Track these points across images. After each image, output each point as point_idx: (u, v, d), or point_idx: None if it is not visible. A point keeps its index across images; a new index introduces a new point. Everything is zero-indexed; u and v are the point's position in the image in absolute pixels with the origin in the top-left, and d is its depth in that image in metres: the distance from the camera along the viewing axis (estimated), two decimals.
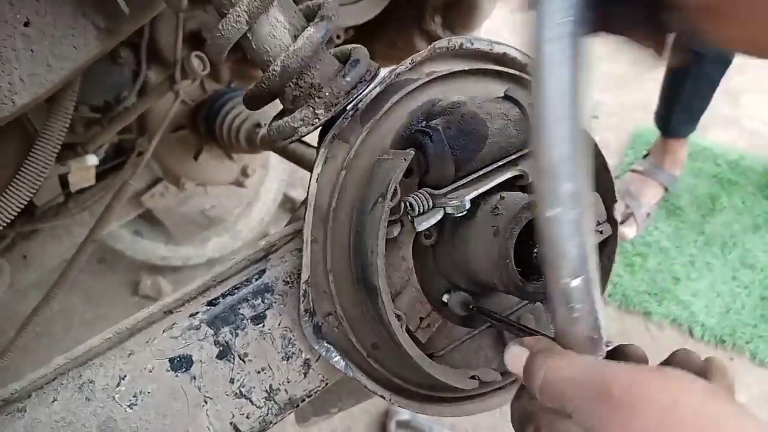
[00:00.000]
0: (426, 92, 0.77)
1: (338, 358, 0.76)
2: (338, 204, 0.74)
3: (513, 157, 0.76)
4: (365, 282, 0.71)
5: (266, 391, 0.77)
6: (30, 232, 1.83)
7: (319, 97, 0.75)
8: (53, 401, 0.70)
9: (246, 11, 0.70)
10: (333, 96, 0.75)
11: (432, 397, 0.82)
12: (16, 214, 1.00)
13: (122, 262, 2.71)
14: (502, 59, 0.84)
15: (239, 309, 0.76)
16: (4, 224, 0.98)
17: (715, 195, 2.79)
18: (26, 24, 0.76)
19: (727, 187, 2.81)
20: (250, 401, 0.76)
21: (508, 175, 0.75)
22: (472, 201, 0.72)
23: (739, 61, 2.71)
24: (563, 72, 0.51)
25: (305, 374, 0.79)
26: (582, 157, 0.53)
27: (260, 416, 0.77)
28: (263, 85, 0.75)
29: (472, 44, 0.81)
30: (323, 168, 0.74)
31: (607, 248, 0.84)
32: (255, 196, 2.60)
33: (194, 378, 0.74)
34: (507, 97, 0.76)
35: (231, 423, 0.76)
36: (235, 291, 0.77)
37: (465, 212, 0.71)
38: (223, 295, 0.76)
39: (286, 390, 0.78)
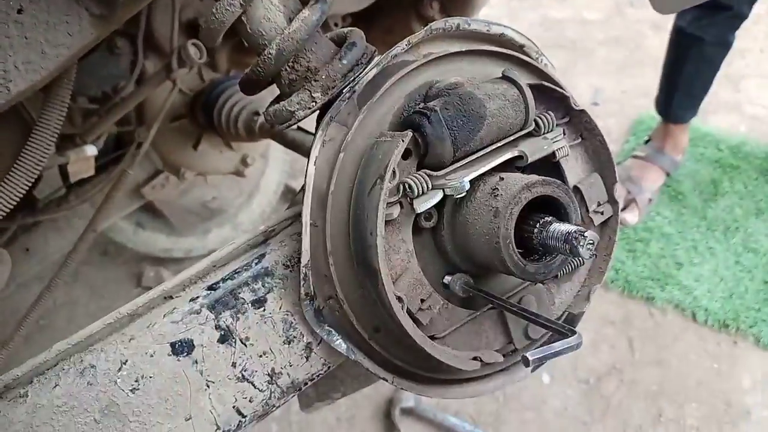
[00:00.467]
0: (423, 74, 0.77)
1: (340, 341, 0.76)
2: (337, 187, 0.73)
3: (511, 137, 0.76)
4: (365, 264, 0.71)
5: (268, 374, 0.77)
6: (32, 225, 1.83)
7: (315, 81, 0.74)
8: (55, 386, 0.70)
9: None
10: (330, 79, 0.74)
11: (434, 379, 0.82)
12: (15, 203, 1.00)
13: (124, 255, 2.72)
14: (499, 40, 0.83)
15: (240, 293, 0.76)
16: (4, 214, 0.98)
17: (717, 180, 2.78)
18: (19, 11, 0.75)
19: (729, 171, 2.81)
20: (253, 385, 0.76)
21: (507, 155, 0.75)
22: (471, 182, 0.71)
23: (739, 45, 2.70)
24: None
25: (307, 358, 0.79)
26: None
27: (263, 400, 0.77)
28: (259, 68, 0.75)
29: (469, 25, 0.80)
30: (321, 151, 0.74)
31: (608, 228, 0.84)
32: (256, 188, 2.60)
33: (196, 362, 0.74)
34: (505, 78, 0.76)
35: (234, 407, 0.76)
36: (236, 275, 0.77)
37: (464, 193, 0.71)
38: (224, 280, 0.76)
39: (288, 374, 0.78)
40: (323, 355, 0.79)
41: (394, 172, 0.69)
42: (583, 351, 2.21)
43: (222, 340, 0.74)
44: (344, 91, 0.75)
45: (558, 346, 0.67)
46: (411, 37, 0.77)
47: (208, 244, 2.65)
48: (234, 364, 0.75)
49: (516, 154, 0.76)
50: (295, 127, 0.80)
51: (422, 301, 0.74)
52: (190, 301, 0.74)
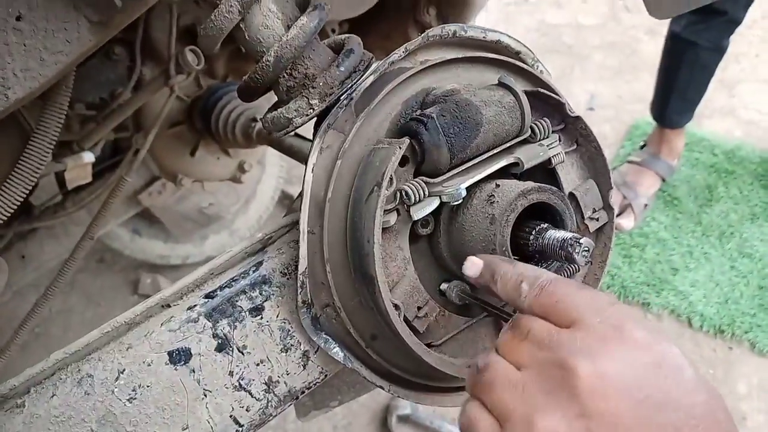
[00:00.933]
0: (420, 81, 0.77)
1: (337, 349, 0.76)
2: (334, 194, 0.74)
3: (508, 144, 0.76)
4: (362, 272, 0.71)
5: (265, 383, 0.77)
6: (28, 232, 1.82)
7: (313, 87, 0.74)
8: (52, 396, 0.70)
9: (238, 1, 0.70)
10: (327, 86, 0.74)
11: (430, 387, 0.82)
12: (12, 211, 1.00)
13: (121, 261, 2.71)
14: (495, 47, 0.84)
15: (237, 301, 0.76)
16: (2, 221, 0.98)
17: (713, 185, 2.79)
18: (18, 18, 0.75)
19: (724, 177, 2.81)
20: (250, 394, 0.76)
21: (503, 162, 0.75)
22: (467, 189, 0.72)
23: (734, 50, 2.71)
24: None
25: (304, 366, 0.79)
26: None
27: (260, 409, 0.77)
28: (257, 75, 0.75)
29: (466, 32, 0.80)
30: (318, 158, 0.74)
31: (603, 235, 0.84)
32: (253, 194, 2.60)
33: (193, 371, 0.74)
34: (501, 84, 0.76)
35: (231, 416, 0.76)
36: (233, 283, 0.77)
37: (461, 200, 0.72)
38: (221, 288, 0.76)
39: (285, 382, 0.78)
40: (320, 363, 0.79)
41: (391, 179, 0.69)
42: None
43: (219, 348, 0.74)
44: (342, 98, 0.75)
45: None
46: (408, 44, 0.78)
47: (206, 251, 2.65)
48: (231, 373, 0.75)
49: (512, 160, 0.76)
50: (292, 133, 0.80)
51: (419, 308, 0.74)
52: (188, 309, 0.74)
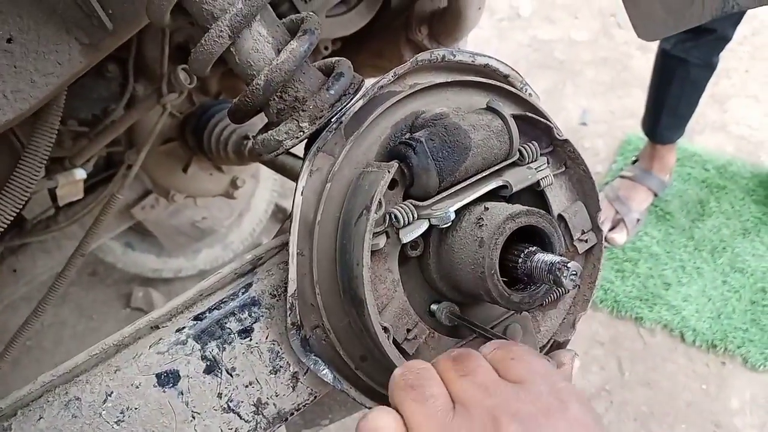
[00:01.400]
0: (409, 104, 0.78)
1: (326, 370, 0.76)
2: (323, 216, 0.74)
3: (496, 167, 0.77)
4: (351, 294, 0.72)
5: (254, 405, 0.77)
6: (20, 246, 1.82)
7: (303, 110, 0.75)
8: (39, 419, 0.69)
9: (228, 26, 0.70)
10: (317, 109, 0.75)
11: None
12: (4, 227, 1.00)
13: (113, 275, 2.70)
14: (483, 71, 0.84)
15: (226, 323, 0.76)
16: None
17: (704, 200, 2.81)
18: (9, 40, 0.76)
19: (716, 192, 2.83)
20: (239, 416, 0.76)
21: (492, 185, 0.76)
22: (456, 212, 0.72)
23: (725, 65, 2.74)
24: None
25: (294, 387, 0.79)
26: None
27: (249, 431, 0.77)
28: (247, 98, 0.75)
29: (455, 56, 0.81)
30: (308, 181, 0.75)
31: (592, 257, 0.85)
32: (246, 207, 2.60)
33: (181, 393, 0.73)
34: (489, 108, 0.77)
35: None
36: (222, 305, 0.77)
37: (449, 223, 0.72)
38: (210, 310, 0.76)
39: (274, 404, 0.78)
40: (310, 385, 0.79)
41: (380, 202, 0.70)
42: None
43: (208, 370, 0.74)
44: (332, 121, 0.76)
45: None
46: (397, 69, 0.78)
47: (198, 264, 2.65)
48: (220, 395, 0.75)
49: (500, 183, 0.77)
50: None
51: (408, 330, 0.74)
52: (176, 331, 0.74)
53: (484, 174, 0.76)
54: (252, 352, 0.76)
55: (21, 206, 1.01)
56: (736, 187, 2.85)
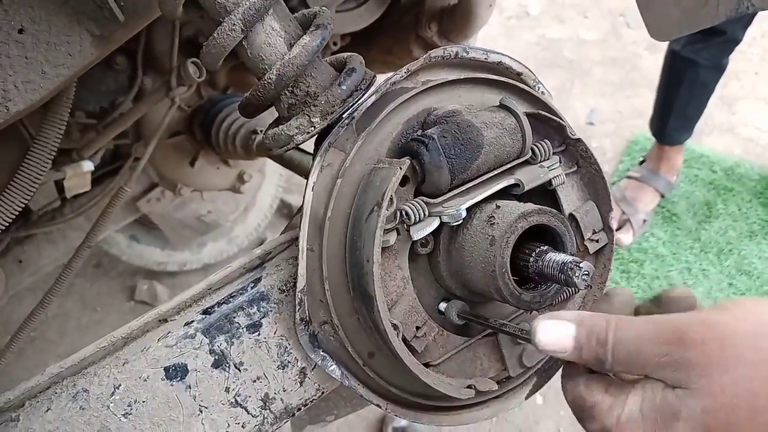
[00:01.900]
0: (421, 101, 0.77)
1: (334, 366, 0.76)
2: (334, 212, 0.74)
3: (508, 166, 0.76)
4: (361, 290, 0.71)
5: (262, 400, 0.77)
6: (25, 237, 1.82)
7: (314, 105, 0.75)
8: (47, 410, 0.69)
9: (241, 20, 0.70)
10: (329, 104, 0.75)
11: (428, 406, 0.82)
12: (11, 219, 1.00)
13: (118, 267, 2.71)
14: (496, 68, 0.84)
15: (235, 318, 0.76)
16: (0, 229, 0.98)
17: (711, 202, 2.80)
18: (21, 31, 0.75)
19: (723, 193, 2.82)
20: (246, 410, 0.76)
21: (504, 183, 0.75)
22: (467, 210, 0.72)
23: (734, 67, 2.72)
24: None
25: (301, 383, 0.78)
26: None
27: (256, 425, 0.76)
28: (259, 93, 0.75)
29: (468, 53, 0.81)
30: (319, 176, 0.74)
31: (602, 257, 0.84)
32: (252, 202, 2.60)
33: (189, 387, 0.73)
34: (502, 106, 0.76)
35: None
36: (231, 299, 0.77)
37: (461, 221, 0.72)
38: (219, 304, 0.76)
39: (281, 399, 0.78)
40: (317, 381, 0.79)
41: (391, 199, 0.69)
42: None
43: (216, 364, 0.74)
44: (343, 116, 0.76)
45: None
46: (410, 65, 0.78)
47: (203, 258, 2.65)
48: (227, 389, 0.74)
49: (512, 182, 0.76)
50: None
51: (417, 328, 0.74)
52: (185, 325, 0.74)
53: (496, 172, 0.76)
54: (260, 347, 0.76)
55: (29, 197, 1.01)
56: (743, 189, 2.84)
